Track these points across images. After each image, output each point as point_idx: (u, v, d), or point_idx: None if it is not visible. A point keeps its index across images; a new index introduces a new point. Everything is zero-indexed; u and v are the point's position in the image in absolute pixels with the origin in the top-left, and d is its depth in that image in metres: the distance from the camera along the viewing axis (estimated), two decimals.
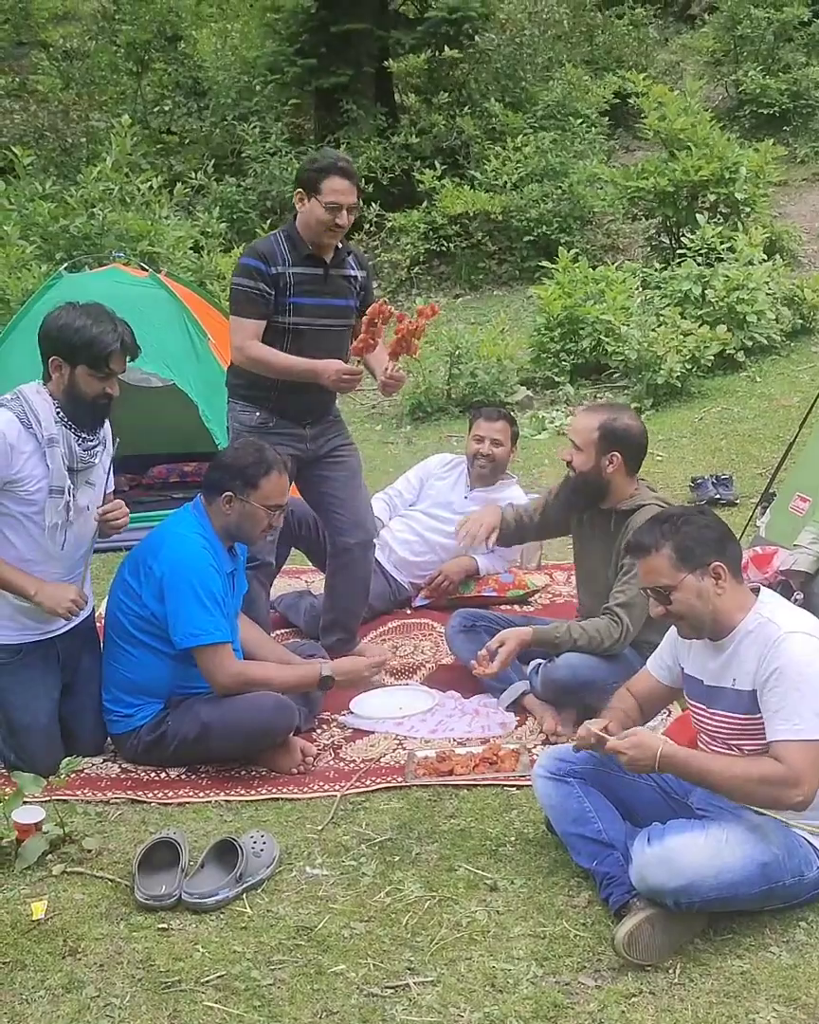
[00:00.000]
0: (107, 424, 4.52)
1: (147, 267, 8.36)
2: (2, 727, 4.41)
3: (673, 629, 3.63)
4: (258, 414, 4.97)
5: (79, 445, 4.28)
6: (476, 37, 16.13)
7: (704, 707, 3.48)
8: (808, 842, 3.28)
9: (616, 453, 4.60)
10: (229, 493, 4.36)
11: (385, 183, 14.73)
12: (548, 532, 5.26)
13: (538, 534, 5.30)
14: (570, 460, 4.68)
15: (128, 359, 4.34)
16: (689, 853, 3.15)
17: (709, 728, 3.48)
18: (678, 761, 3.25)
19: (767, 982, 3.05)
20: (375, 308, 4.70)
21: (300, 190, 4.89)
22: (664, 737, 3.39)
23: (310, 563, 6.02)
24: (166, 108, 17.09)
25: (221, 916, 3.47)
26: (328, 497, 5.20)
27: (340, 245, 5.01)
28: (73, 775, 4.27)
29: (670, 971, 3.11)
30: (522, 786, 4.08)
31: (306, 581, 6.32)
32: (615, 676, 4.40)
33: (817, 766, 3.15)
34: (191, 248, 11.75)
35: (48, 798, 4.08)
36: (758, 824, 3.24)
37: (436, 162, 14.52)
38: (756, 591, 3.46)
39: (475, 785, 4.16)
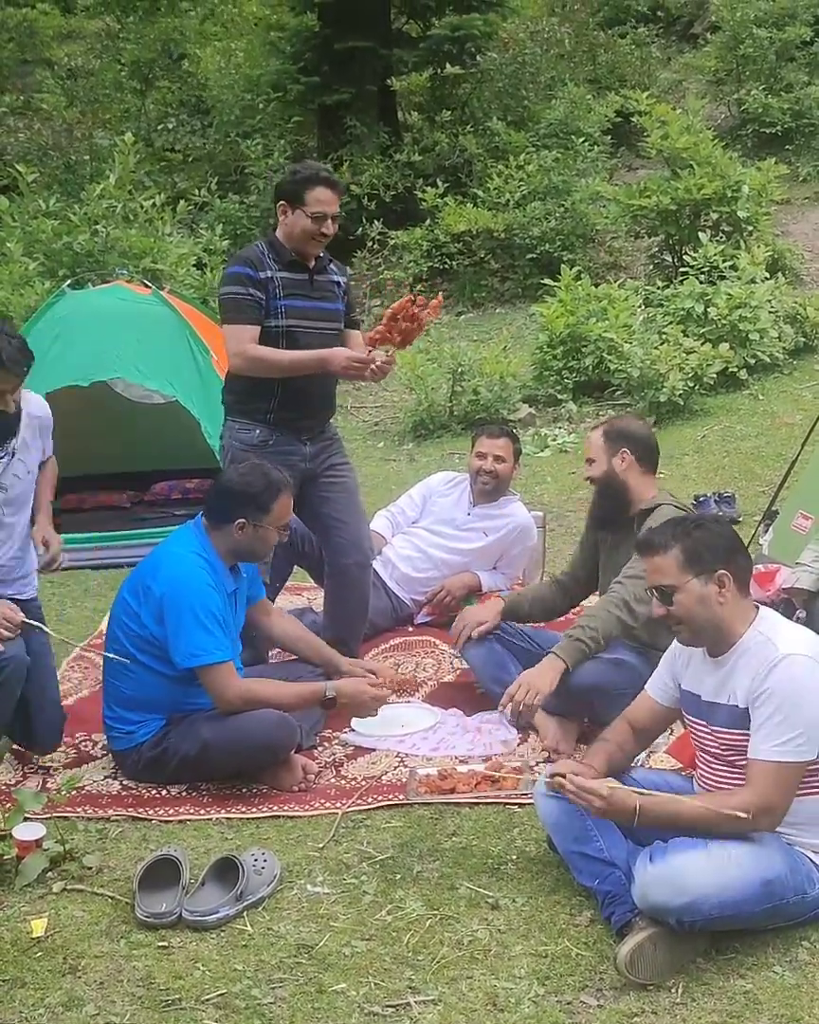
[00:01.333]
0: (32, 436, 4.59)
1: (150, 284, 8.38)
2: None
3: (671, 649, 3.63)
4: (258, 432, 4.97)
5: None
6: (478, 56, 16.18)
7: (704, 723, 3.47)
8: (810, 861, 3.27)
9: (624, 450, 4.71)
10: (243, 520, 4.36)
11: (388, 201, 14.78)
12: (580, 591, 5.19)
13: (568, 601, 5.21)
14: (589, 474, 4.80)
15: (13, 374, 4.32)
16: (692, 871, 3.14)
17: (708, 745, 3.47)
18: (653, 814, 3.26)
19: (769, 1001, 3.03)
20: (402, 304, 4.76)
21: (282, 202, 4.91)
22: (631, 791, 3.35)
23: (311, 580, 6.02)
24: (170, 126, 17.16)
25: (222, 934, 3.46)
26: (327, 517, 5.19)
27: (321, 253, 5.03)
28: (73, 792, 4.25)
29: (672, 990, 3.09)
30: (524, 804, 4.05)
31: (307, 598, 6.31)
32: (623, 682, 4.38)
33: (789, 790, 3.19)
34: (194, 265, 11.78)
35: (48, 815, 4.07)
36: (761, 842, 3.23)
37: (438, 180, 14.56)
38: (755, 608, 3.46)
39: (477, 803, 4.14)
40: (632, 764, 3.85)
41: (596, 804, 3.24)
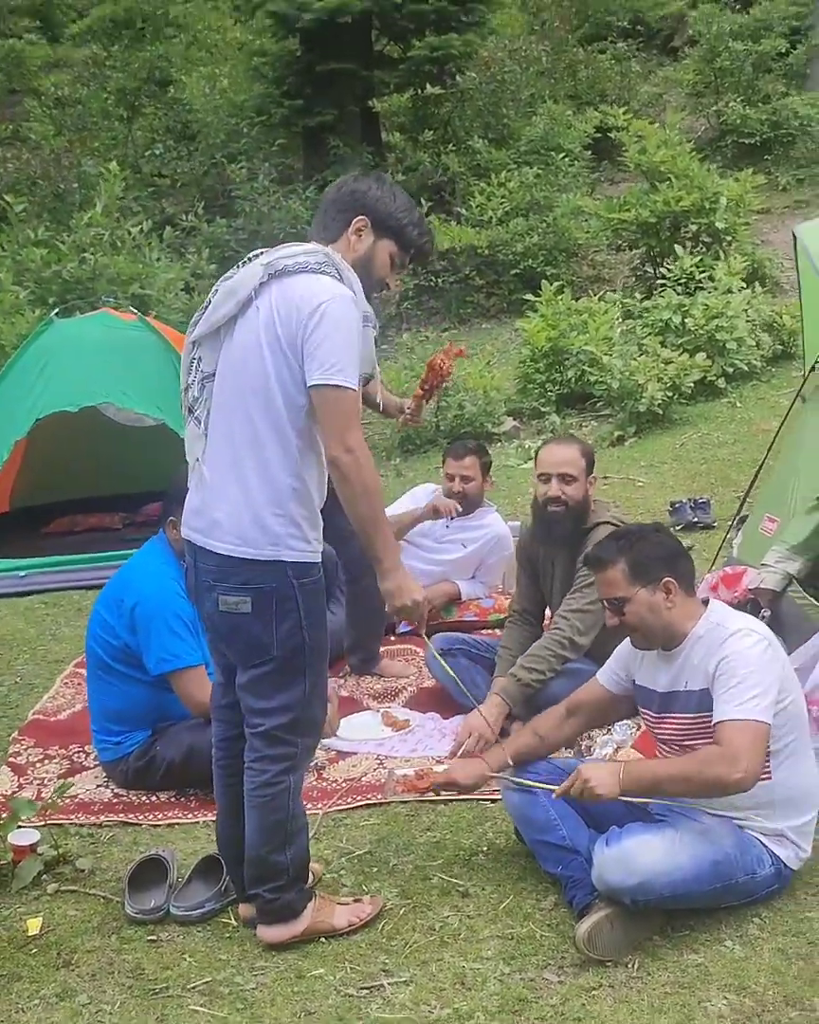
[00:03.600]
0: None
1: (135, 311, 8.57)
2: (305, 674, 3.40)
3: (625, 642, 3.82)
4: None
5: None
6: (458, 76, 16.40)
7: (657, 715, 3.67)
8: (760, 842, 3.46)
9: (593, 475, 4.91)
10: (173, 518, 4.49)
11: None
12: (541, 611, 5.27)
13: (540, 623, 5.24)
14: (560, 495, 4.83)
15: None
16: (644, 853, 3.33)
17: (663, 734, 3.67)
18: (635, 772, 3.42)
19: (719, 973, 3.21)
20: (442, 365, 5.25)
21: None
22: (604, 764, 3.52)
23: None
24: (157, 152, 17.35)
25: (207, 927, 3.64)
26: (335, 530, 5.44)
27: None
28: (67, 800, 4.44)
29: (629, 965, 3.28)
30: (496, 800, 4.21)
31: None
32: None
33: (755, 746, 3.33)
34: (182, 289, 11.97)
35: (43, 822, 4.25)
36: (711, 826, 3.43)
37: (423, 199, 14.72)
38: (705, 602, 3.66)
39: (451, 800, 4.31)
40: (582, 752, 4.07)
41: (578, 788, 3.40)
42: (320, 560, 3.43)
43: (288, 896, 3.47)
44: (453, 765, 3.99)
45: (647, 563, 3.57)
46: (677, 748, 3.63)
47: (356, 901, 3.64)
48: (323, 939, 3.50)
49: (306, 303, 3.21)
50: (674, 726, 3.61)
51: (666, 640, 3.61)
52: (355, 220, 3.43)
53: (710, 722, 3.47)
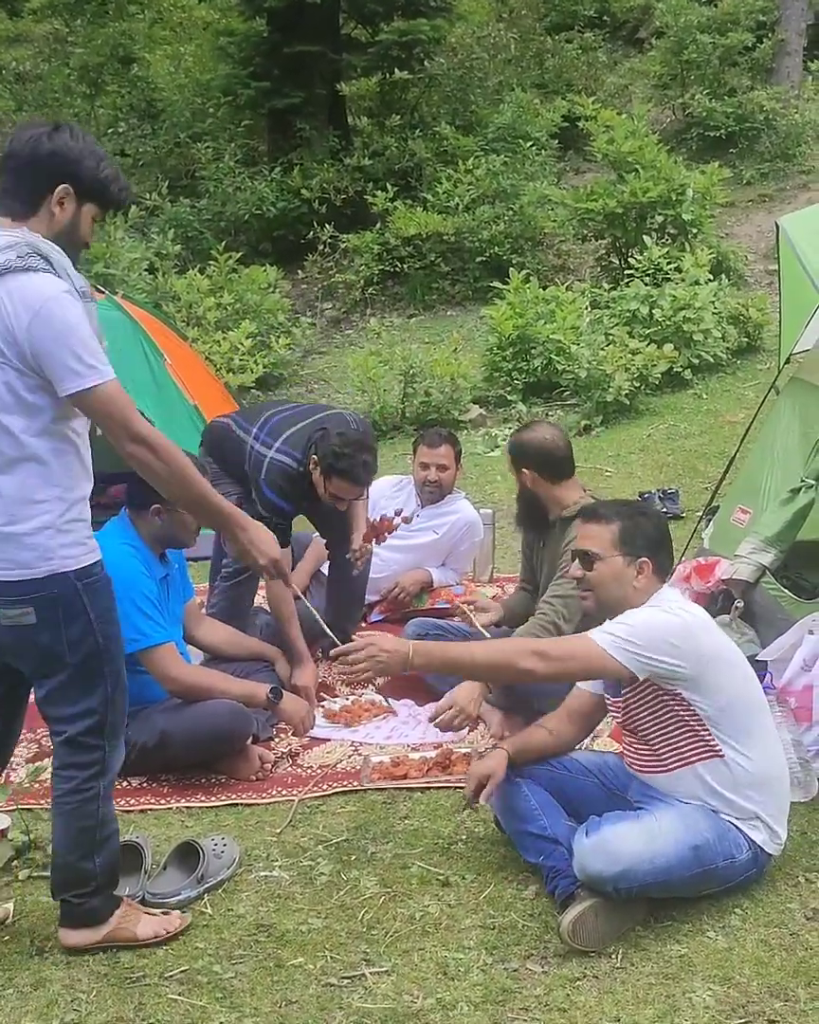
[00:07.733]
0: None
1: (103, 289, 8.48)
2: (104, 675, 3.34)
3: None
4: None
5: None
6: (426, 61, 16.33)
7: (610, 700, 3.71)
8: (736, 827, 3.47)
9: (524, 469, 4.87)
10: (157, 505, 4.47)
11: (338, 205, 14.89)
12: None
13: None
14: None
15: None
16: (625, 840, 3.34)
17: (618, 719, 3.72)
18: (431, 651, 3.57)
19: (703, 964, 3.21)
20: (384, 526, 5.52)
21: (318, 464, 5.04)
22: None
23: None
24: (120, 130, 17.19)
25: (183, 915, 3.59)
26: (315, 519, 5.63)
27: None
28: (37, 784, 4.39)
29: (612, 956, 3.27)
30: None
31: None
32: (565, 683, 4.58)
33: (577, 660, 3.49)
34: (146, 269, 11.88)
35: (13, 806, 4.18)
36: (688, 812, 3.45)
37: (389, 184, 14.69)
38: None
39: (428, 788, 4.31)
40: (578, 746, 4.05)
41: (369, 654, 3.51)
42: (100, 555, 3.31)
43: (93, 902, 3.41)
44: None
45: (638, 537, 3.63)
46: (630, 732, 3.67)
47: (165, 914, 3.56)
48: (301, 930, 3.46)
49: (23, 312, 3.01)
50: (618, 708, 3.66)
51: (616, 613, 3.64)
52: (58, 189, 3.12)
53: (623, 705, 3.60)
